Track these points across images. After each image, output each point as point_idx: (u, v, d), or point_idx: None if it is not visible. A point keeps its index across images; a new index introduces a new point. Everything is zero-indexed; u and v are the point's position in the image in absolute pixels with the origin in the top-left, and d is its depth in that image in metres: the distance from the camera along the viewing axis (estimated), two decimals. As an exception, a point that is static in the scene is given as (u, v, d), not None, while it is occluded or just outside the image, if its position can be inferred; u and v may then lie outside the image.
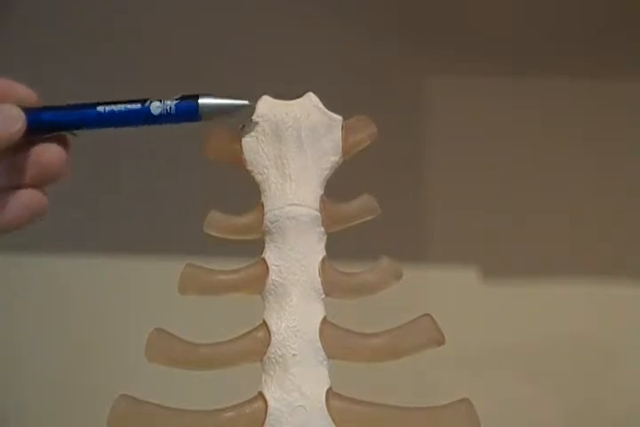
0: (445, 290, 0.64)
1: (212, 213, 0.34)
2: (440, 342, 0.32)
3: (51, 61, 0.64)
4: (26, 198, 0.33)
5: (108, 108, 0.34)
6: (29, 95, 0.34)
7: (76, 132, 0.34)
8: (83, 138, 0.65)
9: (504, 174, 0.65)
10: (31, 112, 0.33)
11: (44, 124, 0.34)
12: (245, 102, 0.33)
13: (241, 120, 0.34)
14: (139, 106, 0.33)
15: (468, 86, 0.65)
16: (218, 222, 0.34)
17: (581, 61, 0.64)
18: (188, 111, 0.33)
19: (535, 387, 0.63)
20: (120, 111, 0.33)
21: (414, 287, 0.61)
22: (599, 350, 0.63)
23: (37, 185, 0.34)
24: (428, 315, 0.33)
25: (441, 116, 0.65)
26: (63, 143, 0.34)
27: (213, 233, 0.34)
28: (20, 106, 0.33)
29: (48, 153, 0.33)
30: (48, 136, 0.34)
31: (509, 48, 0.64)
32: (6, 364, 0.64)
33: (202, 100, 0.33)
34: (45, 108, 0.34)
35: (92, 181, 0.65)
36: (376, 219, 0.34)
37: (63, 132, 0.34)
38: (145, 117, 0.33)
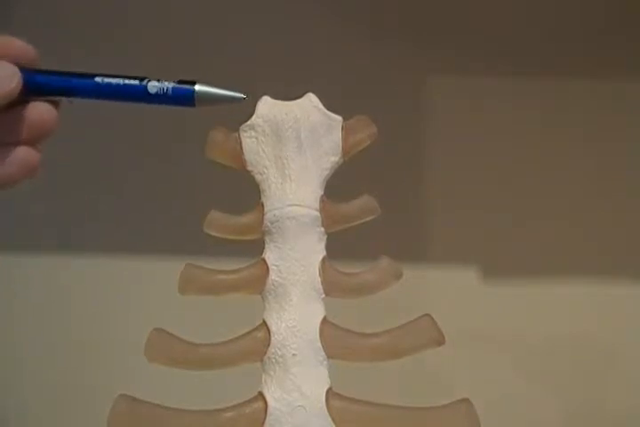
0: (445, 290, 0.64)
1: (211, 213, 0.34)
2: (440, 342, 0.32)
3: (51, 61, 0.64)
4: (23, 154, 0.34)
5: (106, 79, 0.34)
6: (28, 51, 0.34)
7: (71, 100, 0.35)
8: (83, 137, 0.65)
9: (504, 174, 0.65)
10: (29, 72, 0.33)
11: (41, 86, 0.34)
12: (241, 96, 0.34)
13: (240, 120, 0.34)
14: (137, 82, 0.34)
15: (468, 86, 0.65)
16: (218, 222, 0.34)
17: (581, 61, 0.64)
18: (183, 95, 0.34)
19: (535, 387, 0.63)
20: (117, 84, 0.34)
21: (414, 287, 0.61)
22: (599, 350, 0.63)
23: (31, 142, 0.34)
24: (427, 315, 0.33)
25: (441, 116, 0.65)
26: (53, 104, 0.34)
27: (213, 233, 0.34)
28: (18, 65, 0.33)
29: (39, 110, 0.34)
30: (43, 99, 0.34)
31: (509, 48, 0.64)
32: (6, 364, 0.64)
33: (199, 87, 0.34)
34: (43, 71, 0.34)
35: (93, 180, 0.65)
36: (376, 219, 0.34)
37: (58, 98, 0.34)
38: (141, 95, 0.34)
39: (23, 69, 0.33)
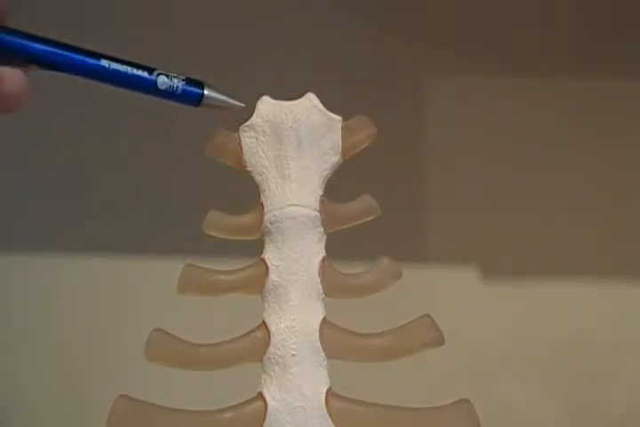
0: (445, 290, 0.64)
1: (211, 213, 0.34)
2: (440, 342, 0.32)
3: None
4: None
5: (113, 65, 0.32)
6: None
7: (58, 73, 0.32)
8: (83, 137, 0.65)
9: (504, 174, 0.65)
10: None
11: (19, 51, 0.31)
12: (241, 104, 0.34)
13: (240, 119, 0.35)
14: (146, 75, 0.33)
15: (468, 86, 0.65)
16: (217, 222, 0.34)
17: (581, 61, 0.64)
18: (191, 97, 0.34)
19: (535, 387, 0.63)
20: (126, 73, 0.32)
21: (414, 287, 0.61)
22: (599, 350, 0.63)
23: None
24: (427, 315, 0.33)
25: (441, 116, 0.65)
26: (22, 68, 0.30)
27: (213, 233, 0.34)
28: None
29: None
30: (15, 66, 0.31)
31: (509, 48, 0.64)
32: (6, 364, 0.64)
33: (207, 92, 0.34)
34: (29, 36, 0.32)
35: (93, 181, 0.65)
36: (376, 219, 0.34)
37: (34, 68, 0.31)
38: (148, 88, 0.33)
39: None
